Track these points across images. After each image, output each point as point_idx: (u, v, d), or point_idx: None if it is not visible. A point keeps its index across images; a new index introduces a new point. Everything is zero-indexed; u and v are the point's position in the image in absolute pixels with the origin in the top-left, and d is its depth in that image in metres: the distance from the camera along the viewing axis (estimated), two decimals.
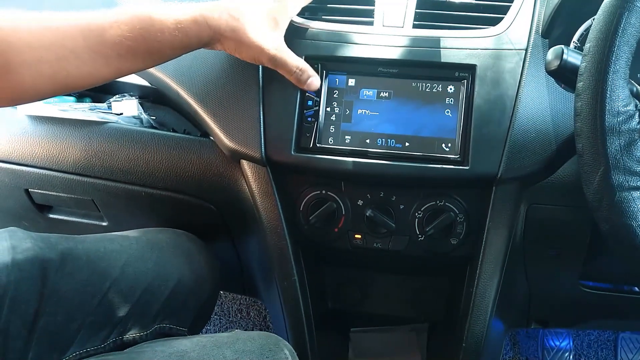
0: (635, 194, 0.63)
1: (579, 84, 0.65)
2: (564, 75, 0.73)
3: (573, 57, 0.73)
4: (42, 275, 0.84)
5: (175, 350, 0.78)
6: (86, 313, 0.87)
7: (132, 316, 0.91)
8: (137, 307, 0.92)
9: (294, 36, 0.96)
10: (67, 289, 0.86)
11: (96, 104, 1.06)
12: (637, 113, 0.64)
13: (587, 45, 0.65)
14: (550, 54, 0.74)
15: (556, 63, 0.73)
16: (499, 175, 0.90)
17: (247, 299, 1.80)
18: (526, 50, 0.92)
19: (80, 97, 1.10)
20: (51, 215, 1.18)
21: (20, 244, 0.85)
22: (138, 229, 1.07)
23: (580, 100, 0.65)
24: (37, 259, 0.84)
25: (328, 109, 0.95)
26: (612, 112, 0.62)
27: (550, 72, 0.75)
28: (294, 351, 0.84)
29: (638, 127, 0.64)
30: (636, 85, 0.70)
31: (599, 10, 0.66)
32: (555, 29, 0.93)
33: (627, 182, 0.62)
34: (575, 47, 0.94)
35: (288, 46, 0.91)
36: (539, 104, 0.90)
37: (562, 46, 0.74)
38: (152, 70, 1.01)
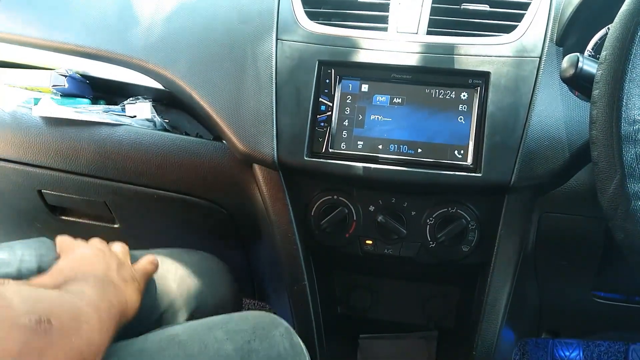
0: None
1: (595, 92, 0.65)
2: (579, 83, 0.73)
3: (588, 65, 0.72)
4: None
5: (166, 335, 0.77)
6: None
7: None
8: (157, 324, 0.91)
9: (308, 41, 0.96)
10: None
11: (110, 107, 1.07)
12: None
13: (603, 53, 0.65)
14: (566, 61, 0.74)
15: (571, 71, 0.72)
16: (511, 183, 0.89)
17: (255, 304, 1.80)
18: (540, 58, 0.92)
19: (94, 99, 1.11)
20: (63, 217, 1.18)
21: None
22: (164, 248, 1.06)
23: (596, 108, 0.64)
24: None
25: (341, 114, 0.95)
26: (628, 120, 0.62)
27: (565, 80, 0.74)
28: (291, 329, 0.81)
29: None
30: None
31: (616, 18, 0.65)
32: (570, 37, 0.93)
33: None
34: (589, 56, 0.94)
35: (302, 51, 0.92)
36: (553, 112, 0.89)
37: (578, 54, 0.73)
38: (165, 72, 1.01)
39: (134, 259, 0.95)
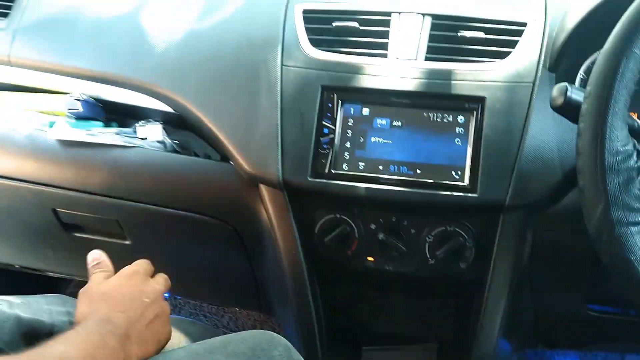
0: (634, 229, 0.66)
1: (581, 125, 0.69)
2: (567, 111, 0.77)
3: (576, 94, 0.76)
4: None
5: None
6: None
7: None
8: None
9: (311, 67, 1.01)
10: None
11: (122, 129, 1.11)
12: (635, 152, 0.68)
13: (588, 88, 0.69)
14: (555, 91, 0.77)
15: (560, 100, 0.76)
16: (506, 203, 0.93)
17: (261, 316, 1.83)
18: (534, 83, 0.95)
19: (107, 121, 1.16)
20: (77, 234, 1.22)
21: None
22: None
23: (582, 139, 0.68)
24: None
25: (343, 137, 0.99)
26: (611, 151, 0.66)
27: (555, 108, 0.78)
28: (290, 346, 0.82)
29: (636, 165, 0.67)
30: (637, 120, 0.73)
31: (600, 55, 0.69)
32: (562, 63, 0.97)
33: (626, 217, 0.65)
34: (581, 79, 0.98)
35: (306, 77, 0.99)
36: (546, 135, 0.93)
37: (566, 84, 0.77)
38: (175, 96, 1.06)
39: None
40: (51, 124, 1.10)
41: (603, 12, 0.90)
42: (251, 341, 0.80)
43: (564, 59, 0.97)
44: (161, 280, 0.88)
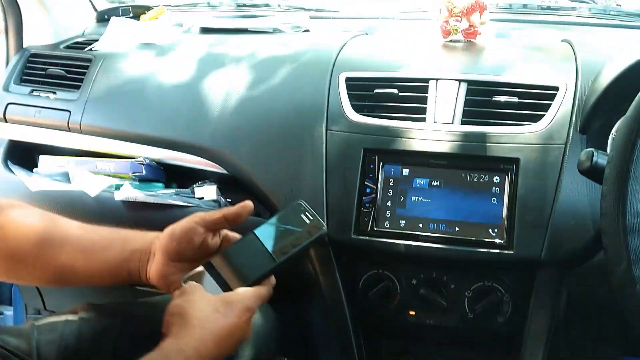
0: None
1: (604, 188, 0.74)
2: (594, 174, 0.81)
3: (602, 159, 0.81)
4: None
5: None
6: None
7: None
8: None
9: (354, 131, 1.08)
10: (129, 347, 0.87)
11: (181, 189, 1.21)
12: None
13: (610, 154, 0.74)
14: (582, 156, 0.82)
15: (587, 164, 0.81)
16: (541, 259, 0.97)
17: None
18: (565, 145, 1.00)
19: (167, 182, 1.26)
20: (138, 287, 1.30)
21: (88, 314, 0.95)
22: None
23: (605, 202, 0.73)
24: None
25: (384, 196, 1.05)
26: (632, 213, 0.70)
27: (582, 172, 0.83)
28: None
29: None
30: None
31: (621, 122, 0.74)
32: (593, 125, 1.01)
33: None
34: (613, 139, 1.02)
35: (349, 140, 1.06)
36: (578, 194, 0.98)
37: (593, 149, 0.82)
38: (229, 158, 1.14)
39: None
40: (118, 187, 1.19)
41: (634, 75, 0.95)
42: None
43: (595, 120, 1.01)
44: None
